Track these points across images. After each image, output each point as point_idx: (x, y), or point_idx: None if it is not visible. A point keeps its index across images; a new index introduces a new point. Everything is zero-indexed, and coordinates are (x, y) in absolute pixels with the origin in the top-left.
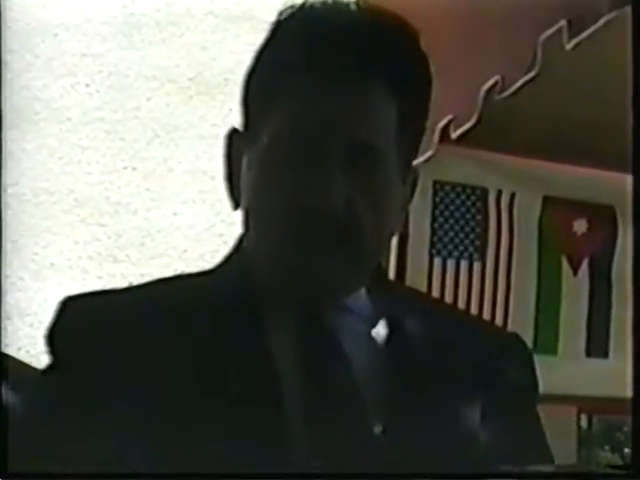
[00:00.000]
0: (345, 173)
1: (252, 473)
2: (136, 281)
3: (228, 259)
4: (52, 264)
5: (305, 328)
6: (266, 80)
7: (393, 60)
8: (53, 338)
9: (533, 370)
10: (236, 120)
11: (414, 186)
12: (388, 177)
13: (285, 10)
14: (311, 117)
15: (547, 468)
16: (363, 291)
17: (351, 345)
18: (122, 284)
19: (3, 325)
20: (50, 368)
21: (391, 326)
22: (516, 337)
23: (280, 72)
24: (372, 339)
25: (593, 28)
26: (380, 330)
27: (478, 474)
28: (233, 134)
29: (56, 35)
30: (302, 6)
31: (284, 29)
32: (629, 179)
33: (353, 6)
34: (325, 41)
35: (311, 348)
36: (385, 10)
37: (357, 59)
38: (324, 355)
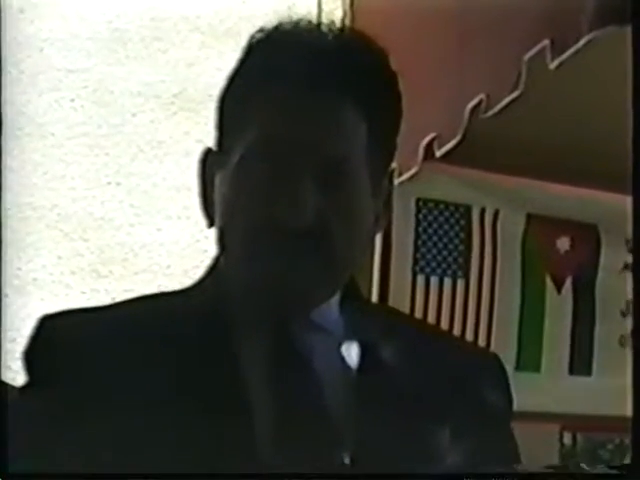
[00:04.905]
0: (315, 187)
1: None
2: (119, 297)
3: (203, 279)
4: (35, 279)
5: (274, 348)
6: (239, 100)
7: (362, 77)
8: (30, 357)
9: (508, 390)
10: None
11: (388, 202)
12: (358, 191)
13: (257, 33)
14: (282, 132)
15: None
16: (335, 309)
17: (321, 365)
18: (105, 300)
19: None
20: (27, 386)
21: (363, 346)
22: (493, 356)
23: (252, 91)
24: (343, 359)
25: (575, 47)
26: (352, 350)
27: (477, 473)
28: (207, 154)
29: (41, 50)
30: (274, 28)
31: (256, 50)
32: (612, 197)
33: (324, 27)
34: (296, 59)
35: (280, 369)
36: (355, 30)
37: (327, 76)
38: (293, 376)
